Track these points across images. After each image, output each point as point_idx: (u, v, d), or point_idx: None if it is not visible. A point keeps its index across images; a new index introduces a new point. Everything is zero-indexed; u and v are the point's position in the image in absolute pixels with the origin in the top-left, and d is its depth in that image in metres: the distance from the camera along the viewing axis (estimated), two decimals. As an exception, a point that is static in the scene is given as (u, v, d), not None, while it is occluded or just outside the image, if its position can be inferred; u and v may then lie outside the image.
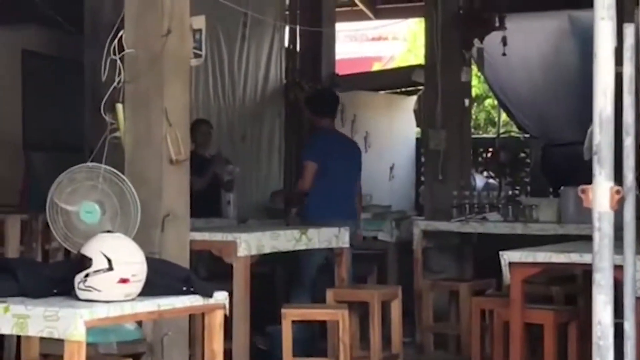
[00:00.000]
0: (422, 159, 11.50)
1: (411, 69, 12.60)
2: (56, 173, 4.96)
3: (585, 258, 5.46)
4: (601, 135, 3.12)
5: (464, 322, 7.81)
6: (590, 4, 3.16)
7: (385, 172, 13.09)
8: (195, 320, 6.26)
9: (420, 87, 12.14)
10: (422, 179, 11.55)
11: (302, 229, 6.92)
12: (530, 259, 5.74)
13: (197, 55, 5.69)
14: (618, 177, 3.23)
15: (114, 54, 5.34)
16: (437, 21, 9.52)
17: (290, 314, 6.51)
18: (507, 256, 5.77)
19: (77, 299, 3.91)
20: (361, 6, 13.74)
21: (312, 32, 11.51)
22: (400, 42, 21.09)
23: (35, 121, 9.80)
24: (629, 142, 3.41)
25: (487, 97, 17.41)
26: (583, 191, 3.15)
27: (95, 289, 3.88)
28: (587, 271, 6.06)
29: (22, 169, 9.67)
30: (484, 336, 7.24)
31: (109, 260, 3.90)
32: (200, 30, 5.68)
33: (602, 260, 3.12)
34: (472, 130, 12.59)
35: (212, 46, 9.85)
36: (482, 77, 14.82)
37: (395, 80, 13.15)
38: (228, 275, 6.21)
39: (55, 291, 4.00)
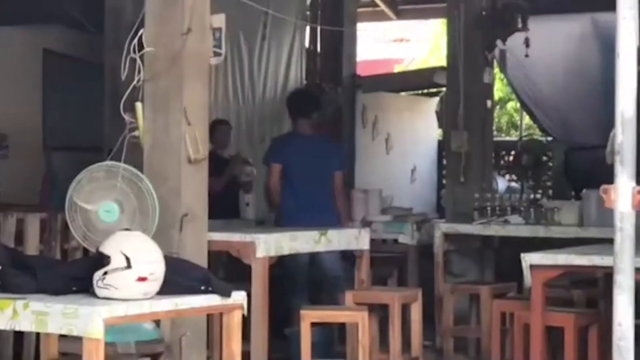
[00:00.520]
0: (444, 161, 11.46)
1: (433, 70, 12.55)
2: (76, 172, 4.95)
3: (607, 261, 5.40)
4: (623, 135, 3.09)
5: (485, 325, 7.75)
6: (614, 6, 3.12)
7: (406, 174, 13.06)
8: (214, 322, 6.25)
9: (442, 89, 12.10)
10: (444, 181, 11.51)
11: (322, 230, 6.88)
12: (550, 262, 5.70)
13: (217, 54, 5.66)
14: (640, 178, 3.20)
15: (134, 52, 5.32)
16: (459, 22, 9.46)
17: (309, 316, 6.44)
18: (528, 258, 5.75)
19: (96, 296, 3.92)
20: (382, 7, 13.69)
21: (333, 33, 11.46)
22: (423, 44, 21.04)
23: (55, 121, 9.82)
24: (651, 142, 3.37)
25: (509, 99, 17.35)
26: (605, 191, 3.12)
27: (113, 287, 3.89)
28: (608, 274, 5.99)
29: (42, 168, 9.70)
30: (505, 340, 7.19)
31: (127, 259, 3.90)
32: (220, 29, 5.65)
33: (623, 260, 3.08)
34: (495, 133, 12.57)
35: (232, 46, 9.83)
36: (504, 81, 14.77)
37: (417, 82, 13.12)
38: (246, 276, 6.18)
39: (74, 289, 4.01)
